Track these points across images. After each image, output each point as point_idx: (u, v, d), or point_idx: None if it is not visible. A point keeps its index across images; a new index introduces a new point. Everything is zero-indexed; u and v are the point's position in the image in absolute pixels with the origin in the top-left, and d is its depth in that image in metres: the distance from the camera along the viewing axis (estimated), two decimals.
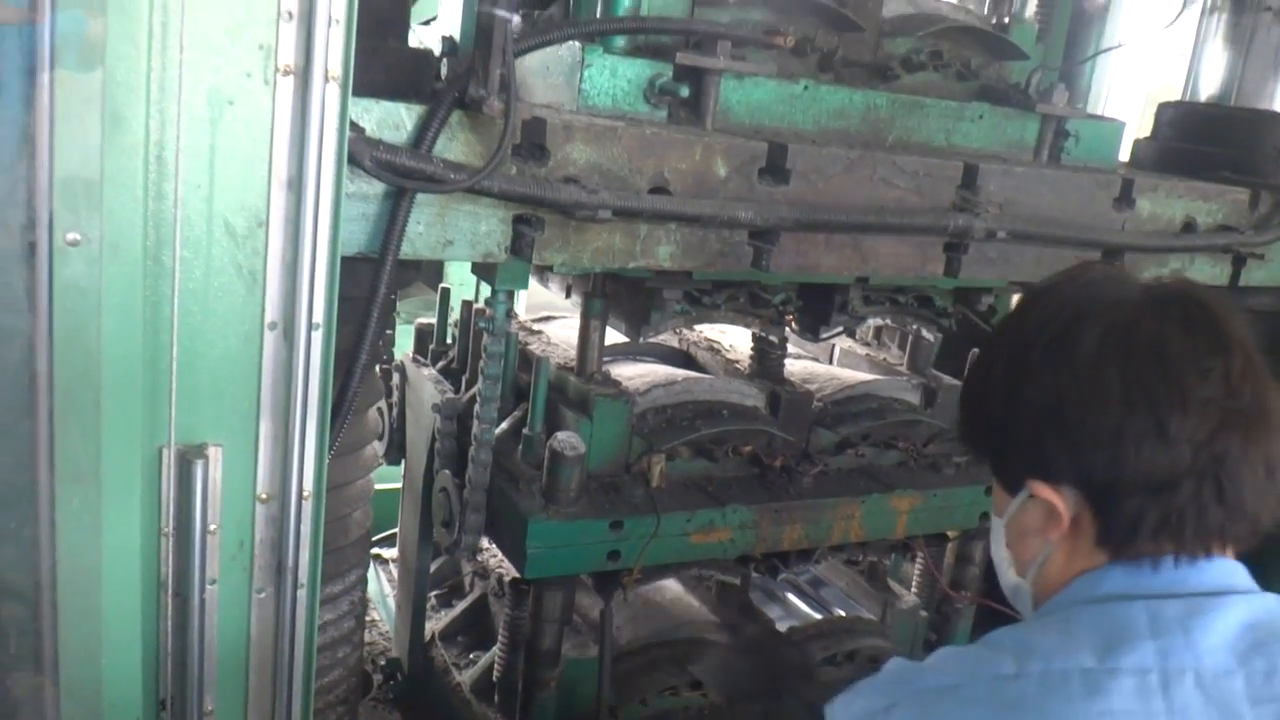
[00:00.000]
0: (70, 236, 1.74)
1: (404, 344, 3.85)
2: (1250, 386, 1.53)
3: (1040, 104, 3.34)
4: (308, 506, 2.15)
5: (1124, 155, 4.09)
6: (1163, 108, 4.11)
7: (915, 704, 1.57)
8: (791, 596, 4.33)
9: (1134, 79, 5.56)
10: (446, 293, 3.87)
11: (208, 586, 2.08)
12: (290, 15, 1.87)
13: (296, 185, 1.96)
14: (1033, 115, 3.38)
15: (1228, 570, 1.59)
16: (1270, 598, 1.58)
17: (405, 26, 2.53)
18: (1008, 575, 1.80)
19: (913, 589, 4.25)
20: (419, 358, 3.80)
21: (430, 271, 5.67)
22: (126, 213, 1.80)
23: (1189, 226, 3.49)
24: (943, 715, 1.54)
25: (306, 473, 2.12)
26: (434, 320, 3.89)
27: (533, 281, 3.37)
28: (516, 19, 2.27)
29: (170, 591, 2.05)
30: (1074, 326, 1.59)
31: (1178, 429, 1.49)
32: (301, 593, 2.20)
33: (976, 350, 1.87)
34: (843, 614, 4.10)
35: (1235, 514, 1.53)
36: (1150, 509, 1.53)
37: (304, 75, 1.90)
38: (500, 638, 3.49)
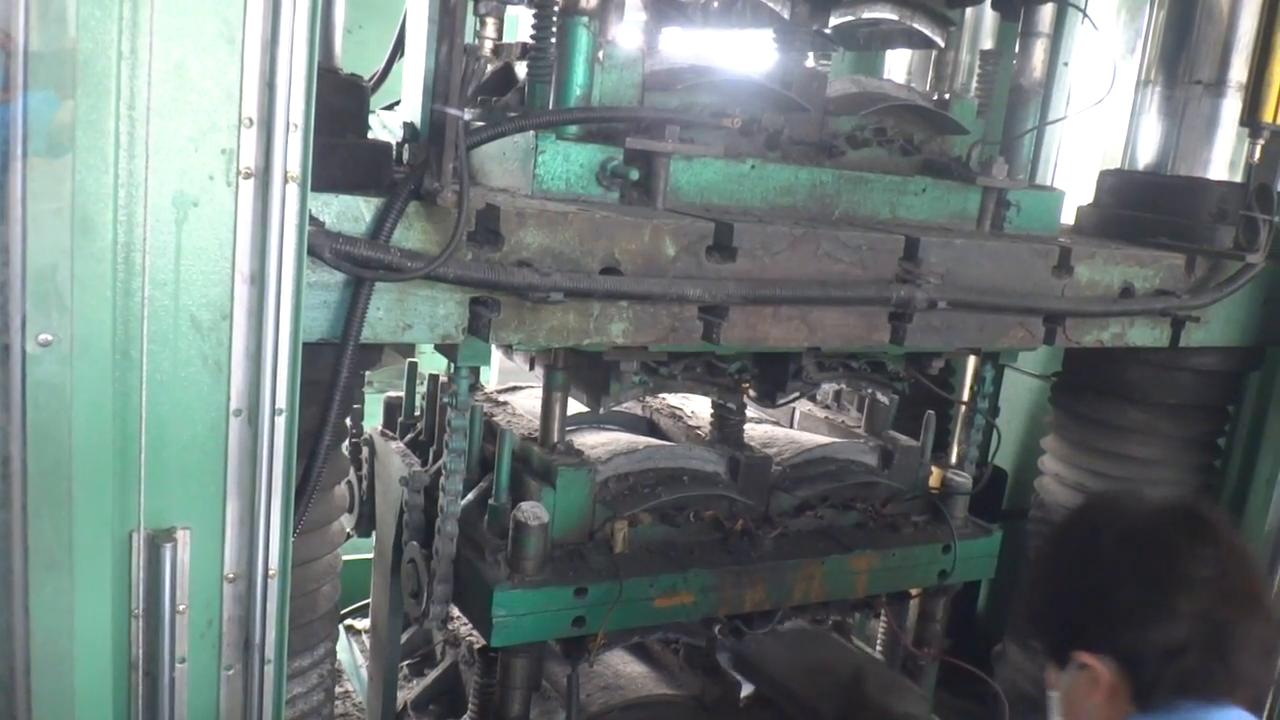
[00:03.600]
0: (42, 338, 1.83)
1: (374, 411, 3.93)
2: (1240, 571, 1.95)
3: (981, 177, 3.47)
4: (274, 584, 2.23)
5: (1070, 218, 4.23)
6: (1103, 175, 4.25)
7: None
8: None
9: (1088, 140, 5.71)
10: (414, 366, 3.96)
11: (177, 665, 2.15)
12: (251, 122, 1.99)
13: (259, 279, 2.06)
14: (974, 187, 3.53)
15: (1234, 717, 1.92)
16: None
17: (364, 121, 2.64)
18: None
19: (878, 647, 4.32)
20: (387, 431, 3.88)
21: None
22: (96, 312, 1.90)
23: (1127, 291, 3.61)
24: None
25: (272, 552, 2.21)
26: (403, 393, 3.97)
27: (501, 352, 3.46)
28: (468, 115, 2.39)
29: (140, 671, 2.12)
30: (1099, 532, 2.02)
31: (1182, 604, 1.89)
32: (269, 669, 2.27)
33: (1036, 559, 2.37)
34: None
35: (1237, 678, 1.90)
36: (1168, 670, 1.90)
37: (264, 177, 2.02)
38: (470, 706, 3.55)
